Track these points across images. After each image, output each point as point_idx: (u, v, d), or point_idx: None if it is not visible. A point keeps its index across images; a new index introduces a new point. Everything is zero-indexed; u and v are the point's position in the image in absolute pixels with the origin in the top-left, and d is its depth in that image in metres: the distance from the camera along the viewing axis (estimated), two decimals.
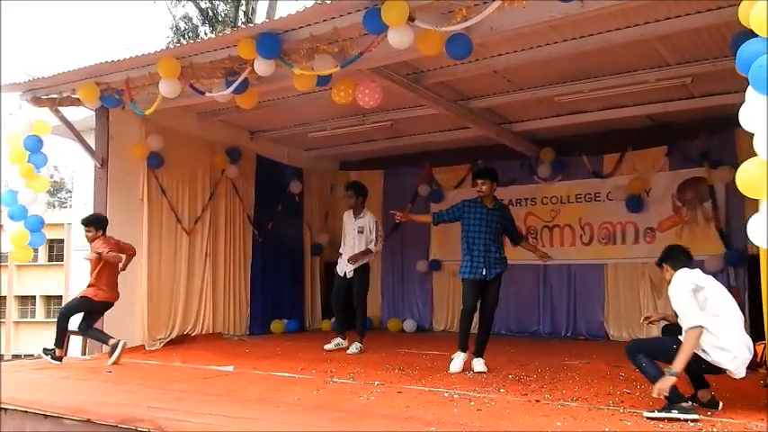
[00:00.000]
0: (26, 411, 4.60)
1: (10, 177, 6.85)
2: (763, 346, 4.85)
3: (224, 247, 8.98)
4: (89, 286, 6.55)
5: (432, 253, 10.22)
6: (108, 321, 6.84)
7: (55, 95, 7.09)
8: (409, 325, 10.02)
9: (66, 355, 6.69)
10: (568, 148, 9.15)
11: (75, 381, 5.64)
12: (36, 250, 7.14)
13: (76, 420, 4.34)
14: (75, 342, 7.47)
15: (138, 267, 7.50)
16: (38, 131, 6.84)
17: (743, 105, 3.32)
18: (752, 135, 3.25)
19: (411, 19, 4.72)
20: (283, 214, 10.03)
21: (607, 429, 3.70)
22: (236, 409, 4.28)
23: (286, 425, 3.89)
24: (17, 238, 6.71)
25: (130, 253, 6.83)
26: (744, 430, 3.68)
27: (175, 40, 20.16)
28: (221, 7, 21.98)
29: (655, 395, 3.91)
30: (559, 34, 5.90)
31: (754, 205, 3.36)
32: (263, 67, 5.50)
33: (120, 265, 6.71)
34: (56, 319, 6.61)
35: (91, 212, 7.01)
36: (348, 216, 7.58)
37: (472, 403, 4.42)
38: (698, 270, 4.24)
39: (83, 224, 6.72)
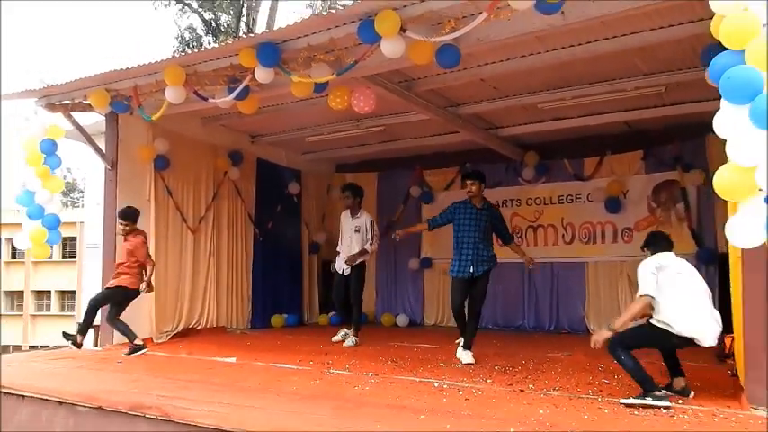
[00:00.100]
0: (42, 399, 4.65)
1: (27, 178, 6.85)
2: (731, 338, 4.90)
3: (227, 246, 8.96)
4: (122, 275, 6.47)
5: (423, 251, 10.22)
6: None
7: (68, 101, 7.08)
8: (402, 320, 10.02)
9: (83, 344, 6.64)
10: (551, 152, 9.19)
11: (88, 370, 5.64)
12: (51, 247, 7.08)
13: (89, 407, 4.38)
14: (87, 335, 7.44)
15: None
16: (52, 135, 6.85)
17: (716, 113, 3.33)
18: (723, 141, 3.28)
19: (403, 30, 4.74)
20: (282, 214, 10.01)
21: (586, 416, 3.73)
22: (239, 398, 4.30)
23: (286, 413, 3.90)
24: (35, 236, 6.69)
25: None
26: (713, 416, 3.72)
27: (180, 50, 20.13)
28: (224, 18, 22.01)
29: (591, 346, 4.13)
30: (543, 45, 5.93)
31: (723, 207, 3.38)
32: (263, 74, 5.50)
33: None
34: (85, 309, 6.53)
35: (123, 207, 6.76)
36: (345, 216, 7.56)
37: (461, 393, 4.45)
38: (672, 254, 4.32)
39: (120, 218, 6.64)
